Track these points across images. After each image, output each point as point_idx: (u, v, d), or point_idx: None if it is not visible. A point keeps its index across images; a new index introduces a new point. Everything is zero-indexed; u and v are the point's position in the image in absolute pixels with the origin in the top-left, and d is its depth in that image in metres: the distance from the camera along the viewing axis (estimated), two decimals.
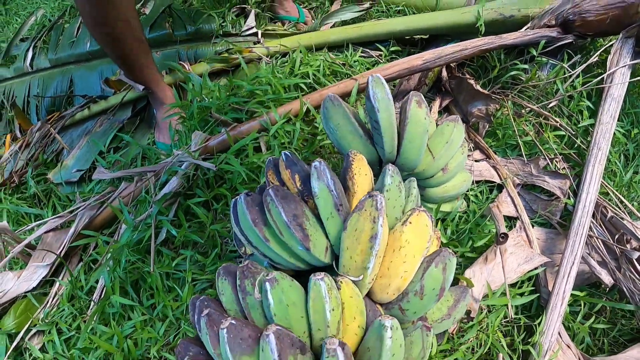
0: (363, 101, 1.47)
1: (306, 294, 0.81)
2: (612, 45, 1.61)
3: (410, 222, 0.88)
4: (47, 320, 1.39)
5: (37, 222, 1.58)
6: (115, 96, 1.93)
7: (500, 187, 1.45)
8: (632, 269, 1.26)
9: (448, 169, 1.15)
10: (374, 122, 1.03)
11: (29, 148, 1.95)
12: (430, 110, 1.53)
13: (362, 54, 1.74)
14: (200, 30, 1.96)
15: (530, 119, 1.57)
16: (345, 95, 1.40)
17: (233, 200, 0.94)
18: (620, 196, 1.44)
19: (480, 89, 1.49)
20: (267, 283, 0.78)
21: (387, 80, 1.42)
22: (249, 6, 2.04)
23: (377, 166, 1.13)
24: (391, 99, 1.02)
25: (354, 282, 0.84)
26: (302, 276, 0.89)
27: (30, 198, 1.81)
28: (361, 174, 0.95)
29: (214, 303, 0.89)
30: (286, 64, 1.65)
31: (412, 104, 1.05)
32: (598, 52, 1.61)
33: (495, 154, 1.51)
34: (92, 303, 1.38)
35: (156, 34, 2.00)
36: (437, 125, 1.23)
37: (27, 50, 2.34)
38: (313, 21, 2.05)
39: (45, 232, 1.53)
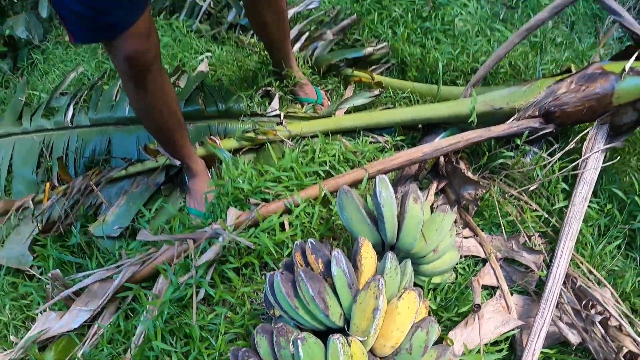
0: (371, 190, 1.84)
1: (325, 349, 1.18)
2: (588, 131, 1.98)
3: (403, 298, 1.26)
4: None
5: (85, 273, 1.94)
6: (151, 161, 2.29)
7: (485, 261, 1.81)
8: (596, 330, 1.61)
9: (438, 250, 1.52)
10: (379, 214, 1.41)
11: (68, 198, 2.28)
12: (428, 192, 1.91)
13: (372, 139, 2.14)
14: (230, 109, 2.36)
15: (514, 201, 1.94)
16: (357, 182, 1.79)
17: (269, 275, 1.32)
18: (590, 266, 1.79)
19: (471, 176, 1.87)
20: (298, 340, 1.15)
21: (392, 170, 1.81)
22: (274, 89, 2.45)
23: (381, 247, 1.51)
24: (393, 197, 1.41)
25: (360, 341, 1.21)
26: (320, 334, 1.26)
27: (70, 246, 2.16)
28: (368, 257, 1.33)
29: (253, 354, 1.26)
30: (307, 147, 2.05)
31: (410, 200, 1.43)
32: (574, 140, 1.95)
33: (482, 231, 1.88)
34: (133, 345, 1.72)
35: (190, 108, 2.39)
36: (432, 209, 1.60)
37: (68, 106, 2.74)
38: (329, 103, 2.46)
39: (93, 283, 1.90)
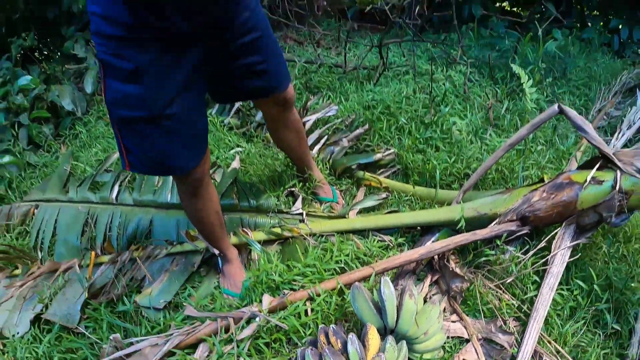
0: (377, 286, 2.39)
1: None
2: (557, 231, 2.48)
3: None
4: None
5: (139, 338, 2.43)
6: (189, 244, 2.79)
7: (468, 340, 2.34)
8: None
9: (428, 333, 2.08)
10: (383, 307, 1.99)
11: (115, 269, 2.76)
12: (423, 284, 2.47)
13: (379, 238, 2.71)
14: (260, 206, 2.94)
15: (493, 291, 2.49)
16: (366, 277, 2.36)
17: (300, 350, 1.89)
18: (555, 344, 2.30)
19: (458, 271, 2.42)
20: None
21: (394, 267, 2.40)
22: (297, 190, 3.04)
23: (383, 330, 2.08)
24: (394, 294, 1.99)
25: None
26: None
27: (118, 312, 2.60)
28: (373, 338, 1.90)
29: None
30: (326, 244, 2.64)
31: (406, 296, 2.01)
32: (545, 240, 2.46)
33: (467, 316, 2.41)
34: None
35: (225, 202, 2.94)
36: (426, 299, 2.17)
37: (113, 184, 3.28)
38: (343, 202, 3.05)
39: (146, 347, 2.42)
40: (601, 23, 6.44)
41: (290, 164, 3.16)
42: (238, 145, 3.64)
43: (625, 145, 3.69)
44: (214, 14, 1.83)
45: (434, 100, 3.67)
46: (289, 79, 2.40)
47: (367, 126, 3.52)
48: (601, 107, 4.49)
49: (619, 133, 3.84)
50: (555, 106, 2.61)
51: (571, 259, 2.45)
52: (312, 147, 3.40)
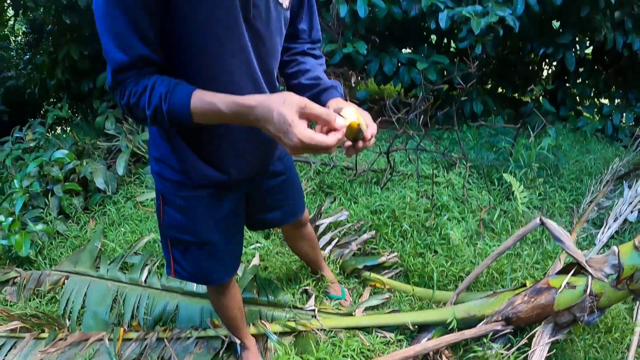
0: None
1: None
2: (537, 330, 2.87)
3: None
4: None
5: None
6: (212, 330, 3.19)
7: None
8: None
9: None
10: None
11: (142, 345, 3.13)
12: None
13: (382, 335, 3.13)
14: (277, 301, 3.37)
15: None
16: None
17: None
18: None
19: None
20: None
21: None
22: (311, 288, 3.48)
23: None
24: None
25: None
26: None
27: None
28: None
29: None
30: (335, 339, 3.06)
31: None
32: (526, 337, 2.82)
33: None
34: None
35: (246, 295, 3.37)
36: None
37: (143, 268, 3.70)
38: (350, 299, 3.49)
39: None
40: (595, 110, 7.01)
41: (305, 264, 3.60)
42: (257, 242, 4.09)
43: (612, 237, 4.13)
44: (253, 167, 2.24)
45: (435, 205, 4.14)
46: (304, 207, 2.84)
47: (373, 232, 4.00)
48: (592, 198, 4.85)
49: (606, 226, 4.27)
50: (537, 219, 3.02)
51: (550, 353, 2.81)
52: (324, 247, 3.87)
